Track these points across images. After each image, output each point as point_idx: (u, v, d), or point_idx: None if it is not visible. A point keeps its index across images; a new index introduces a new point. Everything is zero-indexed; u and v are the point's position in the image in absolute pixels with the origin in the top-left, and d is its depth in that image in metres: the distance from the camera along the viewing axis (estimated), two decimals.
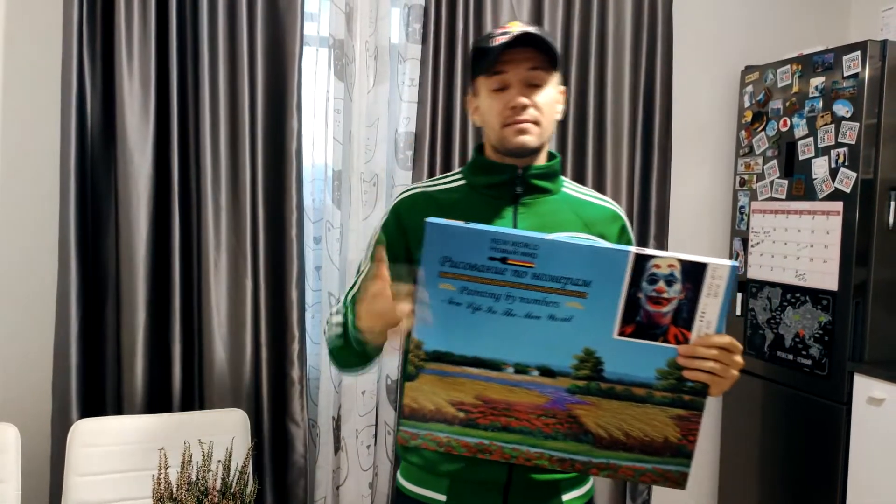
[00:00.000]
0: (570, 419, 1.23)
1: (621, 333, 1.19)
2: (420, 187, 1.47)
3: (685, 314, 1.18)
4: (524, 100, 1.33)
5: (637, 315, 1.18)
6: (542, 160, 1.42)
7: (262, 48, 2.38)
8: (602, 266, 1.17)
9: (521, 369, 1.22)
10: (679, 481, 1.25)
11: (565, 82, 2.71)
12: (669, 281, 1.17)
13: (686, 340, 1.19)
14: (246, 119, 2.37)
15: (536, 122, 1.35)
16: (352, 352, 1.34)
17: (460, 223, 1.20)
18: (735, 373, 1.18)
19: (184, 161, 2.34)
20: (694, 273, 1.17)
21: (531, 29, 1.34)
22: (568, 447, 1.24)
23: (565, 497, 1.40)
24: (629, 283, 1.17)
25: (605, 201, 1.48)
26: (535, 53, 1.33)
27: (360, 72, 2.53)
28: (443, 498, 1.38)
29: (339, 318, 1.36)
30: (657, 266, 1.17)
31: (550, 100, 1.37)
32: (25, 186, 2.33)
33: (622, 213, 1.49)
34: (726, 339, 1.16)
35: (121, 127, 2.25)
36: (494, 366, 1.22)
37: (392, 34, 2.58)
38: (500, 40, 1.32)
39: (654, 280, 1.17)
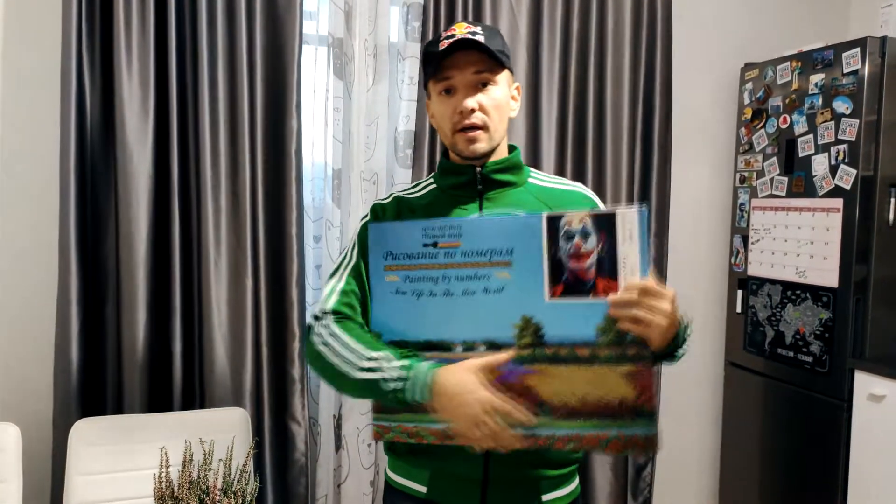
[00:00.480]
0: (525, 391, 1.25)
1: (553, 295, 1.24)
2: (396, 193, 1.51)
3: (608, 265, 1.22)
4: (470, 103, 1.34)
5: (563, 274, 1.23)
6: (500, 155, 1.43)
7: (261, 47, 2.38)
8: (519, 233, 1.25)
9: (468, 346, 1.27)
10: (647, 446, 1.24)
11: (564, 81, 2.71)
12: (585, 235, 1.22)
13: (616, 291, 1.22)
14: (245, 118, 2.37)
15: (485, 127, 1.36)
16: (369, 396, 1.31)
17: (396, 222, 1.33)
18: (661, 319, 1.17)
19: (183, 160, 2.34)
20: (605, 222, 1.22)
21: (476, 30, 1.35)
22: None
23: (546, 497, 1.39)
24: (548, 244, 1.23)
25: (573, 186, 1.49)
26: (481, 56, 1.35)
27: (360, 70, 2.53)
28: (424, 489, 1.40)
29: (396, 373, 1.24)
30: (569, 223, 1.22)
31: (500, 100, 1.38)
32: (25, 186, 2.33)
33: (592, 195, 1.48)
34: (644, 282, 1.17)
35: (120, 126, 2.25)
36: (445, 347, 1.28)
37: (391, 32, 2.58)
38: (444, 45, 1.34)
39: (569, 237, 1.22)
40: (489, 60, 1.35)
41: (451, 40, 1.34)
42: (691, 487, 3.16)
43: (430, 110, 1.47)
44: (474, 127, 1.35)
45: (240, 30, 2.34)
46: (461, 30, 1.35)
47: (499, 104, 1.38)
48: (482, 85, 1.36)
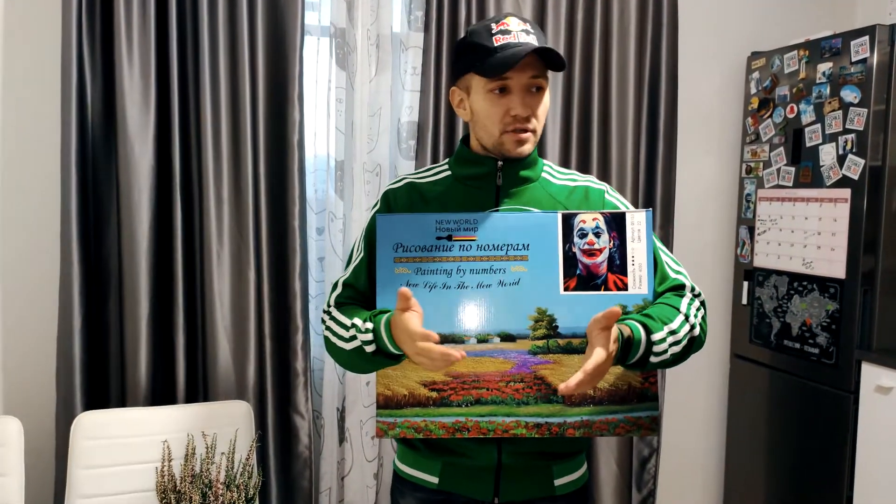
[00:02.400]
0: (538, 381, 1.30)
1: (566, 288, 1.30)
2: (409, 178, 1.49)
3: (618, 261, 1.31)
4: (528, 110, 1.34)
5: (576, 269, 1.31)
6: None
7: (262, 37, 2.36)
8: (536, 229, 1.31)
9: (482, 338, 1.31)
10: (651, 427, 1.32)
11: (569, 71, 2.69)
12: (597, 233, 1.31)
13: (624, 286, 1.31)
14: (247, 109, 2.35)
15: (534, 130, 1.37)
16: (377, 363, 1.32)
17: (407, 214, 1.36)
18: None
19: (185, 152, 2.33)
20: (617, 222, 1.32)
21: (528, 28, 1.33)
22: (541, 411, 1.30)
23: (557, 482, 1.42)
24: (563, 240, 1.31)
25: (583, 181, 1.47)
26: (537, 59, 1.32)
27: (362, 61, 2.51)
28: (435, 480, 1.41)
29: (366, 336, 1.29)
30: (583, 221, 1.32)
31: (547, 104, 1.40)
32: (26, 178, 2.32)
33: (601, 185, 1.47)
34: (590, 371, 1.17)
35: (121, 117, 2.23)
36: (457, 339, 1.30)
37: (394, 22, 2.56)
38: (500, 40, 1.31)
39: (583, 234, 1.31)
40: (544, 65, 1.33)
41: (506, 37, 1.31)
42: (696, 480, 3.15)
43: (455, 98, 1.43)
44: (525, 130, 1.36)
45: (241, 20, 2.32)
46: (515, 25, 1.33)
47: (546, 109, 1.40)
48: (536, 89, 1.35)
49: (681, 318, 1.30)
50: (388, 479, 2.62)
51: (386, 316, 1.27)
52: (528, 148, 1.37)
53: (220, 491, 1.82)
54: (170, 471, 1.82)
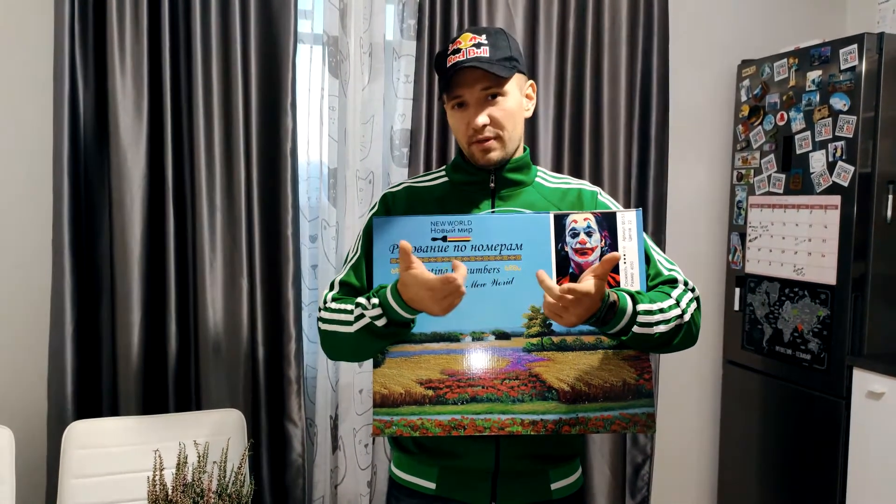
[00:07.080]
0: (532, 378, 1.31)
1: None
2: (406, 183, 1.53)
3: None
4: (481, 120, 1.37)
5: (569, 267, 1.34)
6: (515, 155, 1.46)
7: (255, 46, 2.37)
8: (529, 229, 1.35)
9: (477, 336, 1.33)
10: (647, 424, 1.32)
11: (561, 79, 2.69)
12: (589, 232, 1.34)
13: (617, 284, 1.33)
14: (240, 117, 2.35)
15: (497, 137, 1.40)
16: (387, 336, 1.33)
17: (403, 216, 1.39)
18: (570, 318, 1.23)
19: (178, 160, 2.33)
20: (607, 221, 1.35)
21: (481, 40, 1.37)
22: (536, 408, 1.30)
23: (554, 486, 1.42)
24: (555, 239, 1.34)
25: (576, 184, 1.52)
26: (486, 73, 1.36)
27: (355, 69, 2.52)
28: (433, 485, 1.41)
29: (375, 311, 1.30)
30: (575, 221, 1.35)
31: (511, 108, 1.41)
32: (18, 186, 2.32)
33: (594, 188, 1.52)
34: (561, 293, 1.21)
35: (114, 125, 2.23)
36: (453, 338, 1.33)
37: (387, 30, 2.57)
38: (451, 60, 1.37)
39: (575, 234, 1.34)
40: (495, 76, 1.37)
41: (456, 56, 1.36)
42: (690, 486, 3.16)
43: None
44: (487, 138, 1.39)
45: (234, 28, 2.33)
46: (466, 42, 1.37)
47: (510, 113, 1.40)
48: (492, 97, 1.38)
49: (671, 301, 1.33)
50: (381, 486, 2.62)
51: (389, 285, 1.29)
52: (494, 155, 1.40)
53: (213, 500, 1.81)
54: (161, 480, 1.81)
